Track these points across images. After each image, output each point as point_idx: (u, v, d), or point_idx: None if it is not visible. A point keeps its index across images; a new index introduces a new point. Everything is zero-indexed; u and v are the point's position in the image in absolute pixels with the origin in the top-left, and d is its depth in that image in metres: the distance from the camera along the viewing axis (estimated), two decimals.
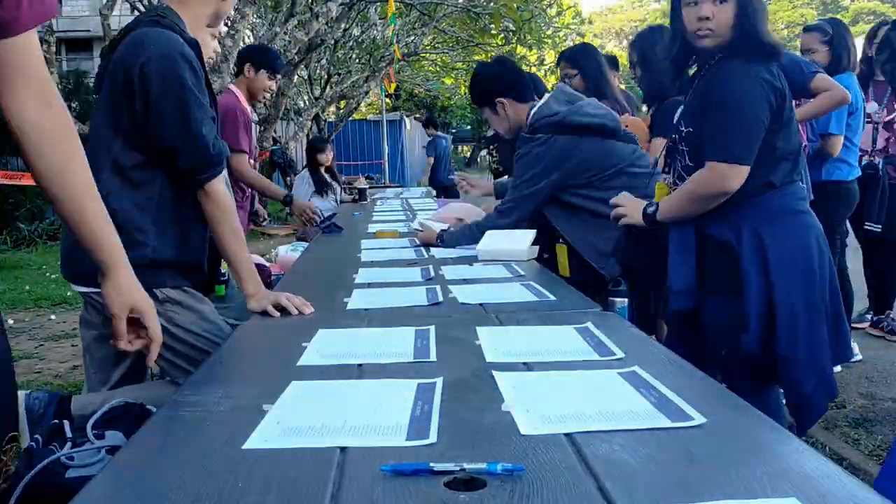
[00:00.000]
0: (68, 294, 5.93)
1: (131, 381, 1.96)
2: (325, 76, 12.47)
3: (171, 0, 1.84)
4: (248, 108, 3.80)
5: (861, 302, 4.20)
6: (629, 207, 2.18)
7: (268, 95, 3.98)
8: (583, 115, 2.57)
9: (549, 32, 12.20)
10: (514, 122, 2.75)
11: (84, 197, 1.19)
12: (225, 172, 2.15)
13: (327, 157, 6.15)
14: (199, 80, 1.77)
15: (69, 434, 1.41)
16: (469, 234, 2.76)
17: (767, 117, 1.86)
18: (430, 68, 15.57)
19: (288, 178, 12.07)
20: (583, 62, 3.58)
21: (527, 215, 2.68)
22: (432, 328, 1.54)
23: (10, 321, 5.13)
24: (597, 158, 2.56)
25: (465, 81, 16.52)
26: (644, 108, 3.71)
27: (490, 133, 5.59)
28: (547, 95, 2.72)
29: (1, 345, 1.12)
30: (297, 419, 1.03)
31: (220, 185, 1.82)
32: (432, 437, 0.94)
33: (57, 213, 1.21)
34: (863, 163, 3.83)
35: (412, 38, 11.27)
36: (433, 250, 2.80)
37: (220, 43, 6.87)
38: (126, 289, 1.26)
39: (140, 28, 1.79)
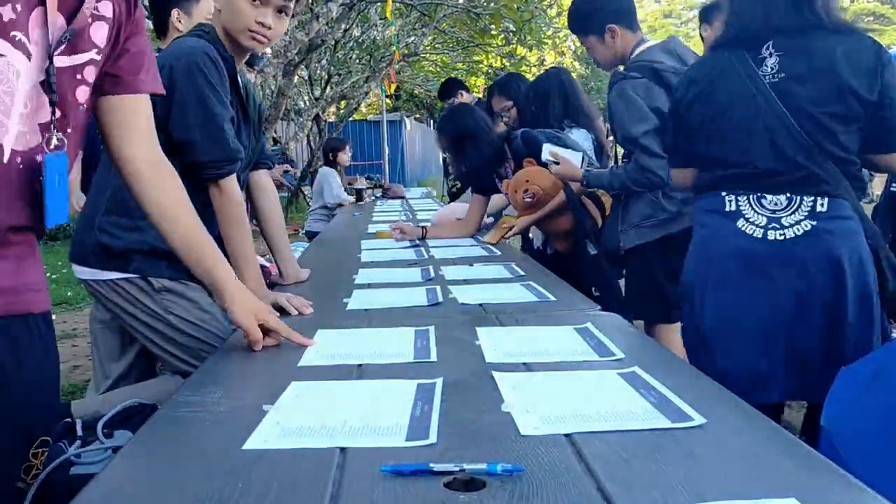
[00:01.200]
0: (68, 294, 5.93)
1: (136, 374, 1.98)
2: (326, 76, 12.47)
3: (213, 20, 1.93)
4: None
5: None
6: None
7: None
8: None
9: (549, 33, 12.21)
10: (620, 54, 2.49)
11: (196, 239, 1.36)
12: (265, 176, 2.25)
13: (347, 156, 6.28)
14: (223, 82, 1.81)
15: (80, 432, 1.43)
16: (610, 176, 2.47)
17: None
18: (431, 69, 15.57)
19: (292, 174, 12.04)
20: (514, 92, 3.62)
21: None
22: (432, 328, 1.54)
23: None
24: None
25: (465, 82, 16.52)
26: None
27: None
28: (657, 41, 2.51)
29: (49, 347, 1.16)
30: (297, 420, 1.03)
31: (234, 183, 1.84)
32: (432, 438, 0.94)
33: (169, 245, 1.37)
34: None
35: (412, 38, 11.27)
36: (433, 251, 2.80)
37: None
38: (246, 301, 1.40)
39: (182, 37, 1.90)
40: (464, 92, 5.54)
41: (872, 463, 1.18)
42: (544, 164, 2.81)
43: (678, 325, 2.58)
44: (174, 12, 2.46)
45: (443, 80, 6.99)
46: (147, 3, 2.58)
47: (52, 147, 1.06)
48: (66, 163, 1.09)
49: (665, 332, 2.51)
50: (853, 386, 1.46)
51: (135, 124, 1.26)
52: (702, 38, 3.55)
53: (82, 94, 1.11)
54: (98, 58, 1.12)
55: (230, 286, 1.39)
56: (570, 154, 2.74)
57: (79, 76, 1.10)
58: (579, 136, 3.14)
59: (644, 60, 2.40)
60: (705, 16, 3.53)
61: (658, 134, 2.33)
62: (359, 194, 5.97)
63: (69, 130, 1.10)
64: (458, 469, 0.83)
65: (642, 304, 2.50)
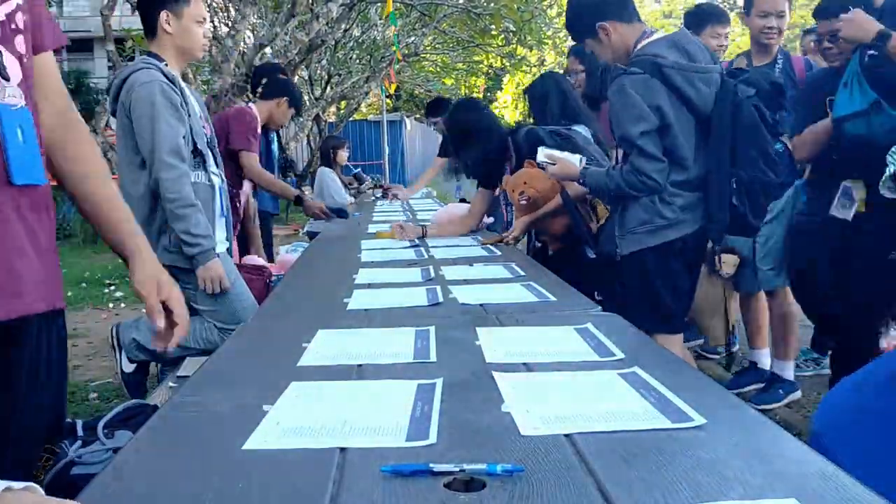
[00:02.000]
0: (69, 294, 5.94)
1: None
2: (326, 77, 12.47)
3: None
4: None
5: None
6: None
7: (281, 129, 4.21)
8: (684, 82, 2.23)
9: (549, 33, 12.20)
10: (621, 49, 2.37)
11: (105, 194, 1.27)
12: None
13: (346, 154, 6.32)
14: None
15: (80, 433, 1.43)
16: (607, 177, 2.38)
17: None
18: (431, 69, 15.57)
19: (288, 179, 12.04)
20: (592, 61, 3.54)
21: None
22: (432, 328, 1.54)
23: None
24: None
25: (465, 82, 16.53)
26: None
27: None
28: (663, 34, 2.37)
29: (60, 361, 1.15)
30: (297, 420, 1.03)
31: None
32: (432, 438, 0.94)
33: (81, 211, 1.28)
34: None
35: (413, 38, 11.28)
36: (433, 251, 2.80)
37: (220, 43, 6.91)
38: (151, 267, 1.29)
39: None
40: None
41: (859, 467, 1.20)
42: (542, 166, 2.81)
43: (679, 336, 2.45)
44: (163, 14, 2.45)
45: (443, 80, 7.03)
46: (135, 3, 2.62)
47: (6, 97, 1.02)
48: (30, 117, 1.05)
49: (665, 342, 2.37)
50: (842, 394, 1.50)
51: (43, 85, 1.16)
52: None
53: (20, 44, 1.07)
54: (22, 1, 1.07)
55: (144, 253, 1.29)
56: (566, 155, 2.73)
57: (13, 26, 1.05)
58: (580, 131, 3.12)
59: (647, 54, 2.25)
60: (690, 22, 3.49)
61: (658, 135, 2.21)
62: (358, 179, 6.03)
63: (25, 86, 1.07)
64: (458, 469, 0.83)
65: (638, 313, 2.19)
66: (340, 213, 4.17)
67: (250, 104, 4.05)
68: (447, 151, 5.74)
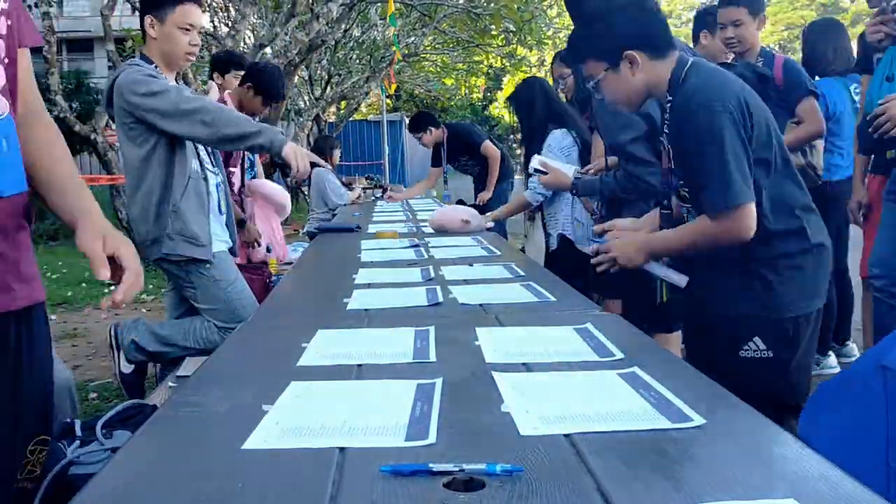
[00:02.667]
0: (69, 294, 5.94)
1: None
2: (326, 77, 12.48)
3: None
4: None
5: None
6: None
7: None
8: None
9: (549, 33, 12.19)
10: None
11: (63, 168, 1.24)
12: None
13: (338, 155, 6.34)
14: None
15: (79, 433, 1.43)
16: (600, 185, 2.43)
17: None
18: (431, 69, 15.58)
19: (289, 179, 12.06)
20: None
21: None
22: (432, 328, 1.54)
23: None
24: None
25: (465, 82, 16.52)
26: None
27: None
28: None
29: (49, 341, 1.15)
30: (296, 419, 1.03)
31: None
32: (431, 438, 0.94)
33: (37, 184, 1.21)
34: None
35: (413, 38, 11.29)
36: (433, 251, 2.80)
37: (220, 43, 6.91)
38: (99, 225, 1.21)
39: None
40: (433, 128, 5.68)
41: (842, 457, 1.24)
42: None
43: (678, 334, 2.51)
44: (147, 18, 2.44)
45: (443, 80, 7.03)
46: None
47: None
48: (13, 124, 1.06)
49: (663, 341, 2.40)
50: (823, 402, 1.53)
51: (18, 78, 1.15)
52: (695, 43, 3.46)
53: (2, 49, 1.07)
54: (6, 6, 1.08)
55: (94, 214, 1.21)
56: (560, 165, 2.74)
57: None
58: (557, 135, 3.26)
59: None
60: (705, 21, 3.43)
61: (647, 140, 2.24)
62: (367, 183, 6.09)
63: (7, 90, 1.07)
64: (457, 469, 0.83)
65: (638, 314, 2.29)
66: (349, 228, 3.80)
67: (227, 92, 3.85)
68: (438, 161, 5.84)
